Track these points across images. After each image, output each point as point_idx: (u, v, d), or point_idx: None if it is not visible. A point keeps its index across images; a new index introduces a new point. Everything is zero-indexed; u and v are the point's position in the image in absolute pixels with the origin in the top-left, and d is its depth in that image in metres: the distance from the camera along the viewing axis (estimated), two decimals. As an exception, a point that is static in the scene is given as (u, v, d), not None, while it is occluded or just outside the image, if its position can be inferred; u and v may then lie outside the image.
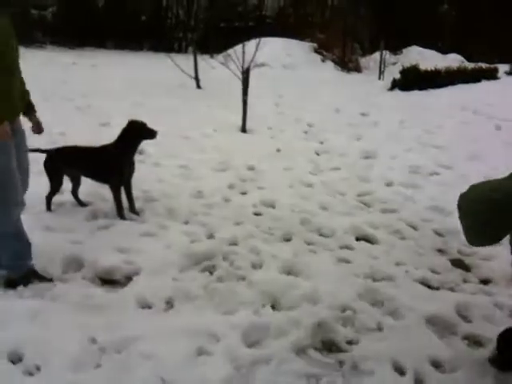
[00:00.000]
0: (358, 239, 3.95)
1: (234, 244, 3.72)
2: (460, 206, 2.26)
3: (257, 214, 4.36)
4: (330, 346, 2.67)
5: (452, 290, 3.24)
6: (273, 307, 2.98)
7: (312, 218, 4.26)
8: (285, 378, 2.41)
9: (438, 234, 4.05)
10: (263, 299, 3.03)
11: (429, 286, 3.27)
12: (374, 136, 7.47)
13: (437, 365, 2.54)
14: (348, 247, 3.80)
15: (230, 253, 3.56)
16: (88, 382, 2.28)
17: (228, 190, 4.93)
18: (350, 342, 2.70)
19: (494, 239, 2.21)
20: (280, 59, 16.53)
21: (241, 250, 3.61)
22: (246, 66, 7.53)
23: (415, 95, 11.22)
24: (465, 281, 3.36)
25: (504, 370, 2.46)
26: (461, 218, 2.25)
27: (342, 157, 6.41)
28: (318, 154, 6.56)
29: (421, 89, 11.45)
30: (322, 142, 7.15)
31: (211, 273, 3.31)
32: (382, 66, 14.38)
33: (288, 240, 3.90)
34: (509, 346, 2.45)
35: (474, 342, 2.73)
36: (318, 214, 4.42)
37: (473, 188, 2.20)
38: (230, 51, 8.94)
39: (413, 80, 11.69)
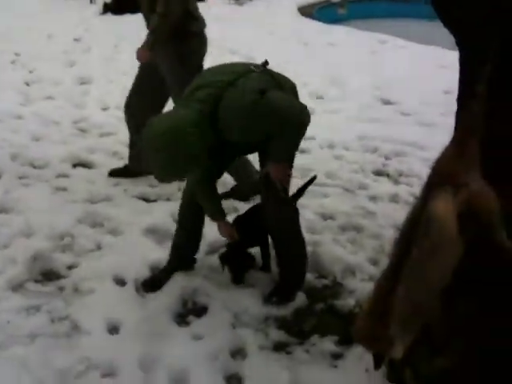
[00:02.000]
0: (74, 166, 3.84)
1: None
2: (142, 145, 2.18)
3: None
4: (49, 276, 2.63)
5: (168, 199, 3.42)
6: (-17, 251, 2.76)
7: (24, 152, 3.98)
8: (2, 316, 2.30)
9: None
10: (-29, 246, 2.78)
11: (147, 200, 3.40)
12: (88, 61, 7.18)
13: (155, 269, 2.71)
14: (65, 175, 3.68)
15: None
16: None
17: None
18: (69, 267, 2.69)
19: (174, 176, 2.23)
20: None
21: None
22: None
23: (128, 19, 11.02)
24: (179, 189, 3.56)
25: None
26: (147, 151, 2.15)
27: (56, 85, 6.03)
28: (28, 85, 6.05)
29: (133, 12, 11.27)
30: (31, 71, 6.59)
31: None
32: (93, -12, 13.65)
33: (-3, 179, 3.59)
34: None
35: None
36: (31, 146, 4.14)
37: (148, 126, 2.14)
38: None
39: (124, 3, 11.41)
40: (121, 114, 4.98)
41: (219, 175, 2.56)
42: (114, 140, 4.34)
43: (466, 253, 1.54)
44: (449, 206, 1.52)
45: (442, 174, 1.61)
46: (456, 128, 1.74)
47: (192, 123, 2.09)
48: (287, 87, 2.37)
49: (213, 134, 2.17)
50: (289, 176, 2.36)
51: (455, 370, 1.90)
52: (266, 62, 2.37)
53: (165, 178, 2.24)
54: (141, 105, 3.40)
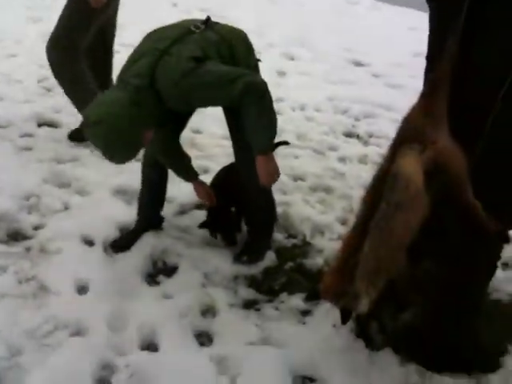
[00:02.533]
0: (39, 125, 3.73)
1: None
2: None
3: None
4: (15, 236, 2.58)
5: (138, 160, 3.33)
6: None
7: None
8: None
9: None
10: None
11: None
12: (52, 18, 6.84)
13: (124, 229, 2.69)
14: (29, 135, 3.56)
15: None
16: None
17: None
18: (36, 228, 2.64)
19: (130, 156, 2.15)
20: None
21: None
22: None
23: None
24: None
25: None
26: (91, 141, 2.12)
27: (19, 43, 5.83)
28: (-9, 42, 5.83)
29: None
30: (-6, 29, 6.35)
31: None
32: None
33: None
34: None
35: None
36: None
37: (86, 117, 2.07)
38: None
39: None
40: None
41: (179, 132, 2.48)
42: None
43: (433, 210, 1.56)
44: (416, 163, 1.53)
45: (410, 131, 1.61)
46: (424, 84, 1.73)
47: (131, 102, 2.00)
48: (238, 40, 2.24)
49: (157, 104, 2.08)
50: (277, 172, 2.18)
51: (419, 325, 1.96)
52: (208, 18, 2.24)
53: (123, 160, 2.15)
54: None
